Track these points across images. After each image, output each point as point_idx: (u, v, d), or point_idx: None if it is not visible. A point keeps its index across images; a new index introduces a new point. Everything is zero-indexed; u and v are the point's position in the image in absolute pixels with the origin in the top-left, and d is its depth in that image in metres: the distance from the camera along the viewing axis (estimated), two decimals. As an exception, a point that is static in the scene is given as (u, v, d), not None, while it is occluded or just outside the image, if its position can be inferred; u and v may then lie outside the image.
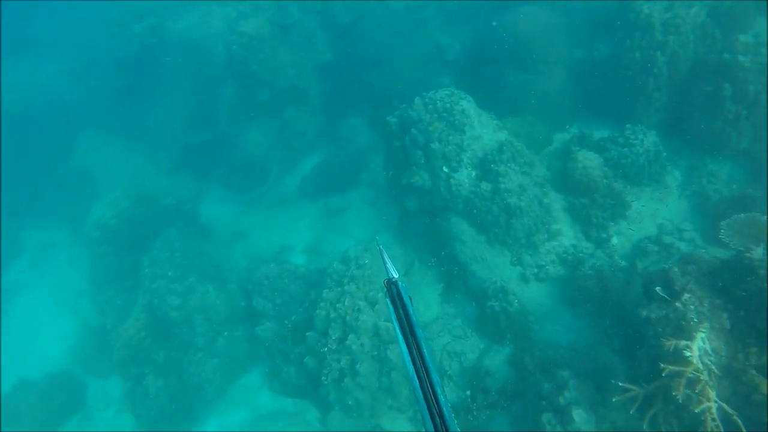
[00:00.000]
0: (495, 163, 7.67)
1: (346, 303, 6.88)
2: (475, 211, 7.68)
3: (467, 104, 8.17)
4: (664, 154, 7.67)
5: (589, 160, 7.61)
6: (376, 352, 7.02)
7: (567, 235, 7.73)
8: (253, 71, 9.99)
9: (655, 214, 7.57)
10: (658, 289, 5.14)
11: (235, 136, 11.21)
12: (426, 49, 10.52)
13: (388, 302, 2.16)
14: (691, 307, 4.58)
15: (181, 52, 10.34)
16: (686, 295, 4.67)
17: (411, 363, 1.90)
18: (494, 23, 9.10)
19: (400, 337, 2.00)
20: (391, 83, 10.47)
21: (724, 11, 8.04)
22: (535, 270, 7.56)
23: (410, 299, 2.18)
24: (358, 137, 11.20)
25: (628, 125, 7.96)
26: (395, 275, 2.25)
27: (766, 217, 5.62)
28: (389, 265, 2.32)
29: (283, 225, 11.34)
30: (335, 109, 11.64)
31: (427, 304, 8.35)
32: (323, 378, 6.89)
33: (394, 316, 2.10)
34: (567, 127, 9.30)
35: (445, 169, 7.90)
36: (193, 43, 10.04)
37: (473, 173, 7.91)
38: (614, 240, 7.53)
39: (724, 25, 8.00)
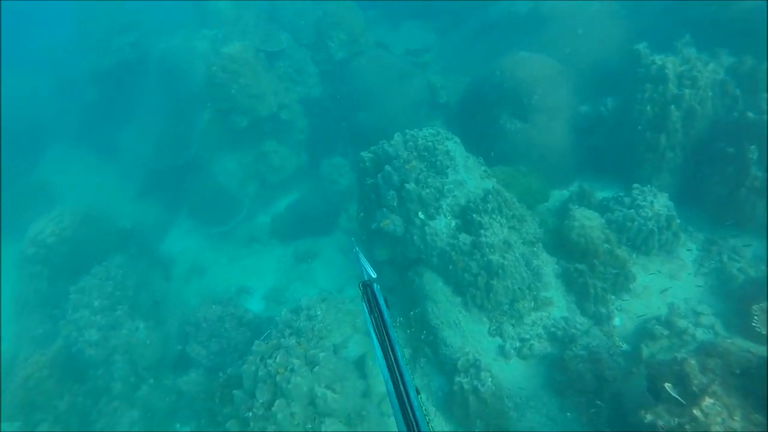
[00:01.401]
0: (478, 212, 6.59)
1: (277, 359, 5.57)
2: (451, 266, 6.51)
3: (453, 145, 7.24)
4: (678, 220, 6.54)
5: (588, 219, 6.49)
6: (309, 426, 5.61)
7: (558, 306, 6.46)
8: (232, 96, 9.32)
9: (665, 290, 6.31)
10: (668, 386, 3.85)
11: (208, 165, 10.39)
12: (419, 92, 9.83)
13: (364, 304, 2.18)
14: (718, 419, 3.26)
15: (161, 70, 9.77)
16: (708, 400, 3.38)
17: (386, 367, 1.90)
18: (492, 66, 8.40)
19: (375, 340, 2.01)
20: (379, 124, 9.70)
21: (746, 72, 7.22)
22: (518, 344, 6.23)
23: (386, 301, 2.20)
24: (339, 178, 10.29)
25: (635, 185, 6.92)
26: (373, 275, 2.34)
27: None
28: (366, 265, 2.45)
29: (247, 266, 10.21)
30: (318, 147, 10.86)
31: (389, 373, 6.96)
32: (240, 455, 5.46)
33: (368, 319, 2.11)
34: (566, 184, 8.30)
35: (421, 216, 6.82)
36: (173, 62, 9.49)
37: (453, 222, 6.81)
38: (615, 317, 6.24)
39: (745, 86, 7.16)
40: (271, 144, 10.31)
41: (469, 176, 7.07)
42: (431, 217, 6.81)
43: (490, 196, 6.66)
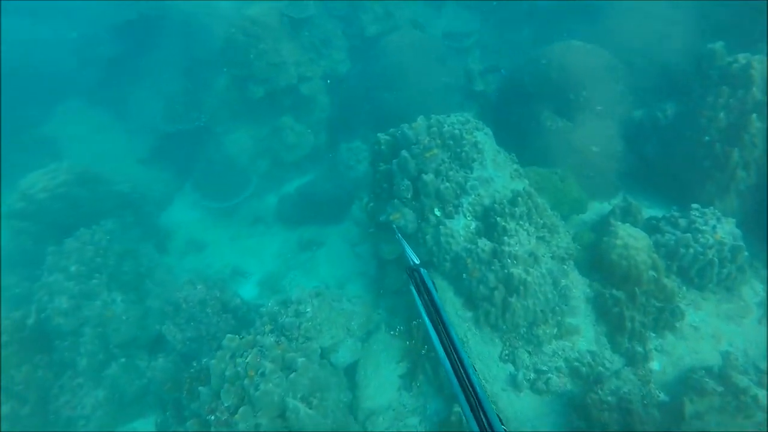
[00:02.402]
0: (503, 216, 5.64)
1: (248, 359, 4.80)
2: (465, 275, 5.59)
3: (483, 137, 6.29)
4: (746, 253, 5.44)
5: (633, 239, 5.45)
6: (277, 444, 4.83)
7: (585, 337, 5.48)
8: (250, 62, 8.56)
9: (719, 335, 5.25)
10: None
11: (219, 134, 9.70)
12: (453, 78, 8.87)
13: (412, 288, 2.28)
14: None
15: (181, 28, 9.10)
16: None
17: (441, 348, 1.91)
18: (537, 52, 7.38)
19: (428, 323, 2.04)
20: (406, 108, 8.78)
21: None
22: (532, 375, 5.29)
23: (434, 285, 2.27)
24: (357, 164, 9.46)
25: (695, 205, 5.83)
26: (417, 261, 2.42)
27: None
28: (410, 252, 2.54)
29: (248, 246, 9.52)
30: (339, 128, 10.04)
31: (381, 385, 6.14)
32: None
33: (419, 302, 2.16)
34: (608, 196, 7.24)
35: (437, 213, 5.93)
36: (194, 20, 8.80)
37: (472, 224, 5.89)
38: (653, 359, 5.22)
39: None
40: (288, 120, 9.53)
41: (497, 174, 6.11)
42: (448, 216, 5.91)
43: (519, 198, 5.69)
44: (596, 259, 5.71)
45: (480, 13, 10.98)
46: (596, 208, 7.00)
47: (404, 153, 5.78)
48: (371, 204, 6.65)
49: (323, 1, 9.64)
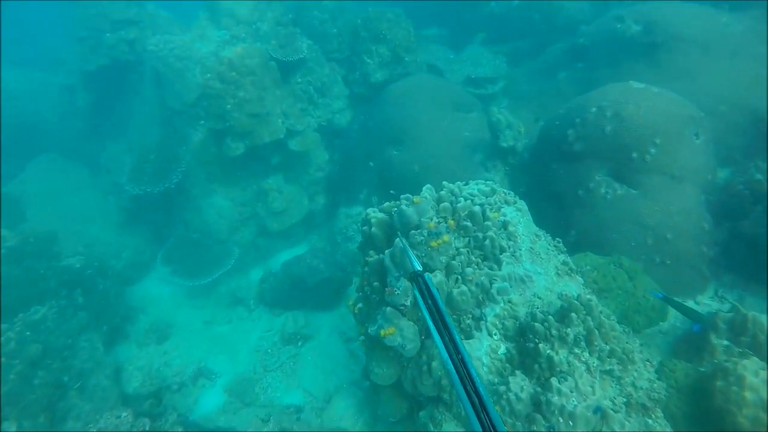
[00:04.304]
0: (548, 340, 3.69)
1: None
2: (491, 429, 3.58)
3: (514, 214, 4.45)
4: None
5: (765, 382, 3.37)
6: None
7: None
8: (227, 113, 7.13)
9: None
10: None
11: (196, 198, 8.20)
12: (475, 131, 7.17)
13: (416, 293, 2.32)
14: None
15: (155, 75, 7.85)
16: None
17: (445, 351, 1.89)
18: (584, 99, 5.63)
19: (432, 326, 2.06)
20: (416, 168, 7.11)
21: None
22: None
23: (438, 290, 2.47)
24: (356, 235, 7.74)
25: None
26: (419, 267, 2.40)
27: None
28: (412, 257, 2.58)
29: (221, 335, 7.75)
30: (339, 190, 8.41)
31: None
32: None
33: (423, 307, 2.19)
34: (694, 290, 5.19)
35: (449, 327, 4.02)
36: (170, 66, 7.52)
37: (501, 348, 3.94)
38: None
39: None
40: (275, 181, 7.99)
41: (537, 269, 4.20)
42: (466, 334, 3.99)
43: (573, 314, 3.74)
44: (702, 413, 3.62)
45: (507, 57, 9.42)
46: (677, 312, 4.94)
47: (401, 242, 3.98)
48: (360, 305, 4.80)
49: (320, 43, 8.27)
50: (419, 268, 2.41)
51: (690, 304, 4.94)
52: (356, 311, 4.85)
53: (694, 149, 5.39)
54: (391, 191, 5.80)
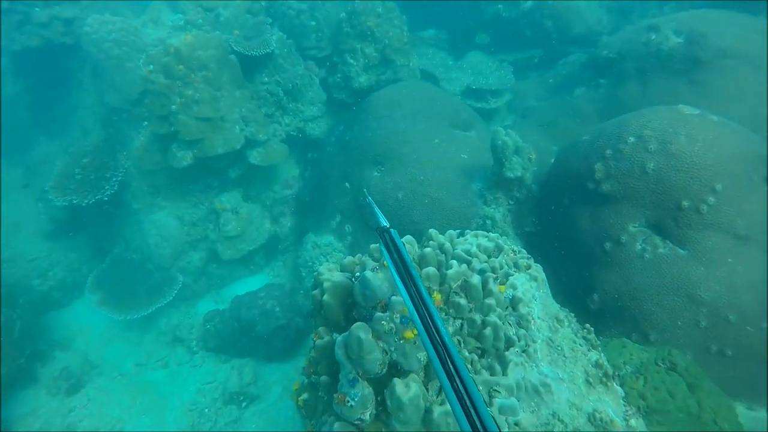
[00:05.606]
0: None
1: None
2: None
3: (527, 287, 3.13)
4: None
5: None
6: None
7: None
8: (172, 114, 5.77)
9: None
10: None
11: (136, 212, 6.81)
12: (473, 154, 5.89)
13: (382, 248, 2.07)
14: None
15: (96, 65, 6.47)
16: None
17: (412, 305, 1.77)
18: (616, 124, 4.36)
19: (398, 281, 1.89)
20: (399, 196, 5.79)
21: None
22: None
23: (404, 245, 2.11)
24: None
25: None
26: (386, 223, 2.17)
27: None
28: (379, 214, 2.26)
29: (151, 384, 6.34)
30: (310, 212, 7.06)
31: None
32: None
33: (389, 261, 2.00)
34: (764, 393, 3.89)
35: (426, 459, 2.69)
36: (112, 55, 6.14)
37: (503, 501, 2.60)
38: None
39: None
40: (231, 198, 6.64)
41: (558, 374, 2.88)
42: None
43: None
44: None
45: (513, 67, 8.16)
46: (748, 418, 3.62)
47: (358, 334, 2.63)
48: (305, 396, 3.43)
49: (295, 37, 6.94)
50: (386, 224, 2.14)
51: (762, 414, 3.64)
52: (300, 403, 3.49)
53: (752, 190, 4.13)
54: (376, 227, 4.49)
